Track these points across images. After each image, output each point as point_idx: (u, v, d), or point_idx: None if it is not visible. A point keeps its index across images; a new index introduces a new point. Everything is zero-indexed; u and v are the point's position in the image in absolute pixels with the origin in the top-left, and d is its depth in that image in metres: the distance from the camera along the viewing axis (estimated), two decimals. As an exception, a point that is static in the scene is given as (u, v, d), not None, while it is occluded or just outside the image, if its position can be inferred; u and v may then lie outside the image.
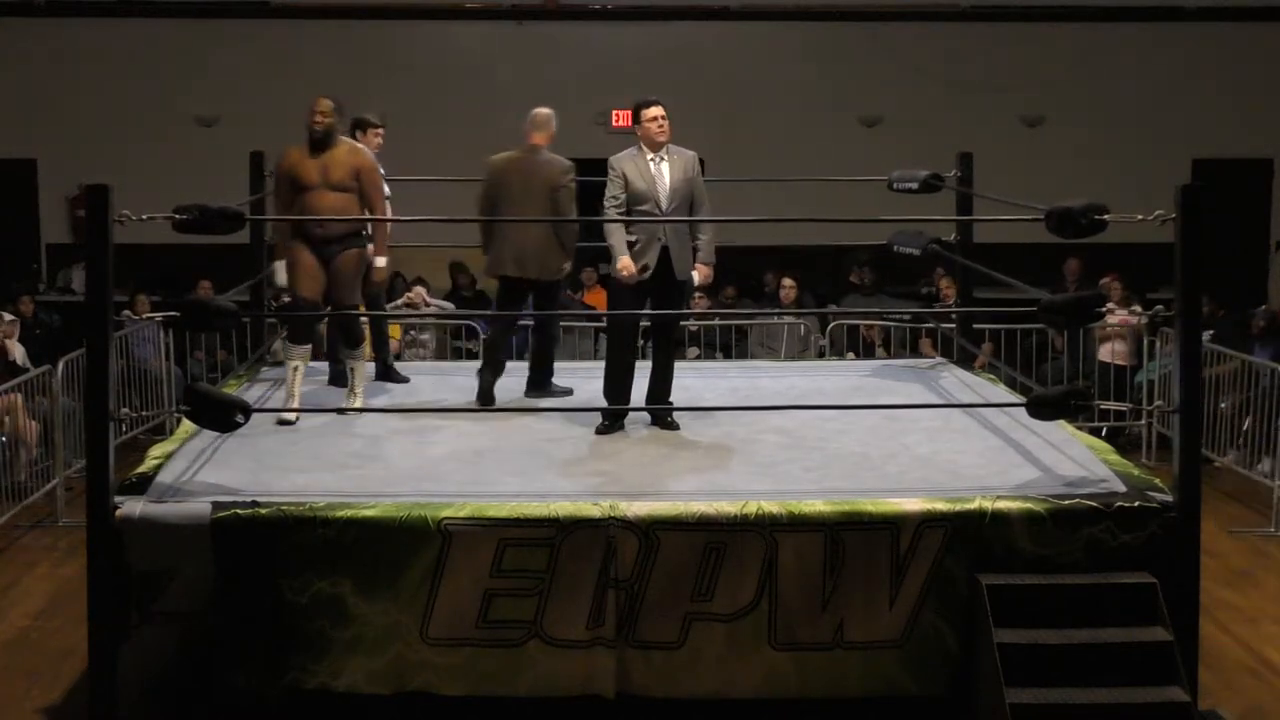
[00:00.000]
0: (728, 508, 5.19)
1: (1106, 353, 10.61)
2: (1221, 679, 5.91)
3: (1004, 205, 6.83)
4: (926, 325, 10.44)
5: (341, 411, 6.56)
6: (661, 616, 5.20)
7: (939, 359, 8.56)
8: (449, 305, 11.61)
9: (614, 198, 6.49)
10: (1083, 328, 10.03)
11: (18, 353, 9.94)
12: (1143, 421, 9.88)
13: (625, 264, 6.41)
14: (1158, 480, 5.57)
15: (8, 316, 10.26)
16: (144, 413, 9.17)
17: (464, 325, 10.92)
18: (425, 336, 11.12)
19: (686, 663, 5.23)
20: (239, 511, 5.14)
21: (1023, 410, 5.87)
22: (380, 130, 7.57)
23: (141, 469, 5.60)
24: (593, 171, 7.32)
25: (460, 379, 7.89)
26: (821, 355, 10.70)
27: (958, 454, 6.02)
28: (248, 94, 13.74)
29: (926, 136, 12.78)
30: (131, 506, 5.20)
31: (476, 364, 7.65)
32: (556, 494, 5.40)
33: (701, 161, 6.77)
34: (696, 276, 6.65)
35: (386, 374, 7.70)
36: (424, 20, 14.13)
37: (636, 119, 6.57)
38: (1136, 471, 5.71)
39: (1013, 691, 4.88)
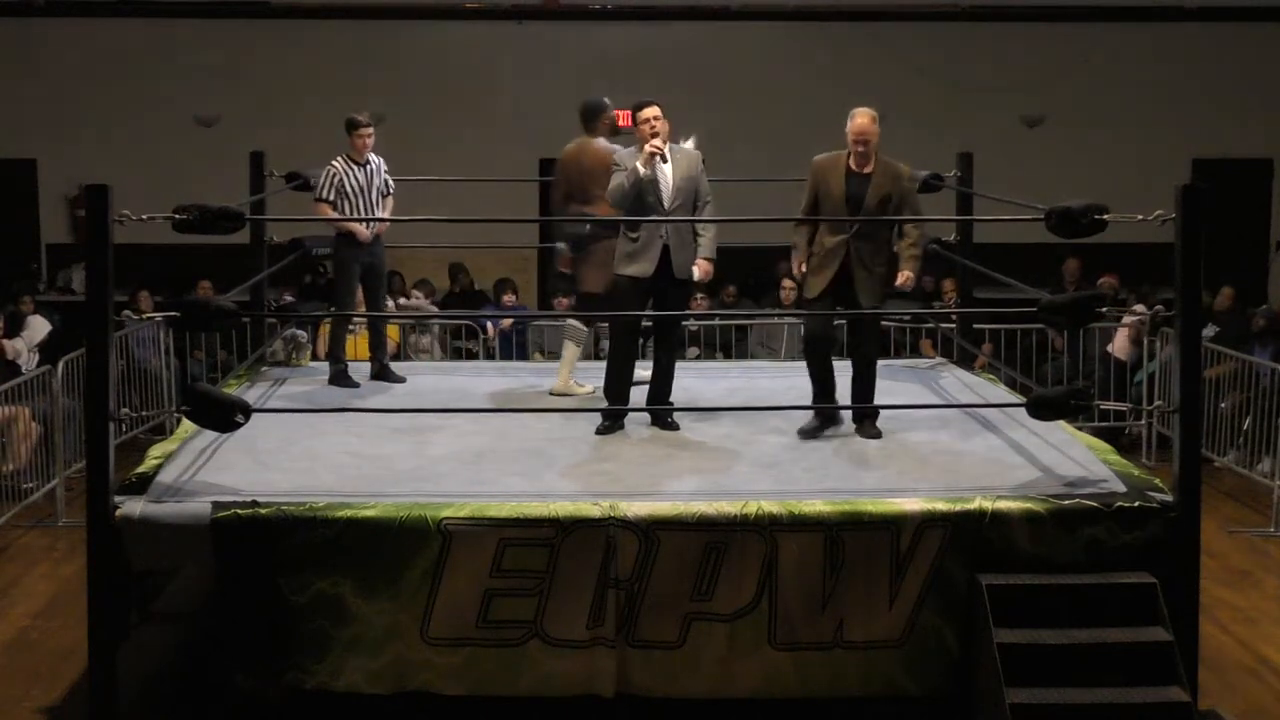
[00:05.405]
0: (728, 508, 5.19)
1: (1118, 347, 10.52)
2: (1221, 679, 5.91)
3: (1004, 205, 6.83)
4: (926, 325, 10.43)
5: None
6: (661, 616, 5.20)
7: (939, 359, 8.56)
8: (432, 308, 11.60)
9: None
10: (1082, 328, 10.02)
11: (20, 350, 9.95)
12: (1143, 421, 9.88)
13: (649, 150, 6.39)
14: (1158, 480, 5.57)
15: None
16: (144, 413, 9.17)
17: (464, 325, 10.92)
18: (426, 340, 11.08)
19: (686, 662, 5.24)
20: (239, 511, 5.14)
21: (1023, 410, 5.88)
22: (369, 130, 7.52)
23: (141, 469, 5.60)
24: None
25: (460, 379, 7.88)
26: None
27: (958, 454, 6.02)
28: (248, 94, 13.74)
29: (926, 136, 12.77)
30: (131, 506, 5.20)
31: (477, 364, 7.64)
32: (556, 494, 5.40)
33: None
34: (697, 272, 6.65)
35: (383, 374, 7.69)
36: (424, 20, 14.11)
37: (635, 120, 6.59)
38: (1136, 471, 5.71)
39: (1013, 691, 4.88)
